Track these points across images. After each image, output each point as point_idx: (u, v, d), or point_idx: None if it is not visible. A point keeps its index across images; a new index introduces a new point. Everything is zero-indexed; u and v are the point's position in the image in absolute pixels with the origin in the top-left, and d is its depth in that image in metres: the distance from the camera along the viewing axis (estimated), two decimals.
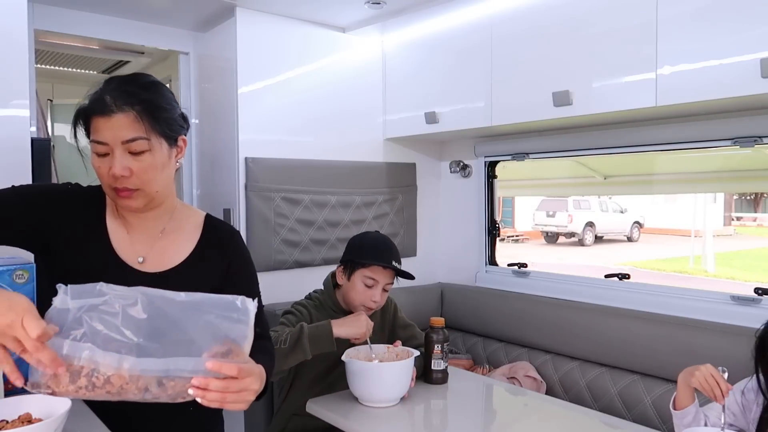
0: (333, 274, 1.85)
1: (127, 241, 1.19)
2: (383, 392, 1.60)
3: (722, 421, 1.30)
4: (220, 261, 1.23)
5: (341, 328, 1.59)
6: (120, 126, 1.06)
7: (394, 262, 1.75)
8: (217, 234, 1.26)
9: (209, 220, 1.28)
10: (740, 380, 1.46)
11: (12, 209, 1.12)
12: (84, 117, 1.10)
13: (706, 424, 1.40)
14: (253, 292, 1.28)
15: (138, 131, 1.07)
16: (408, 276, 1.78)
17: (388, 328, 1.93)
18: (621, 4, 1.83)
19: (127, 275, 1.15)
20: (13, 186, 1.17)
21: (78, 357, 0.81)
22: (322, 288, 1.89)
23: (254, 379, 0.92)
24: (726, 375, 1.32)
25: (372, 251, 1.75)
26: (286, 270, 2.39)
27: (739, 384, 1.44)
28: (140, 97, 1.08)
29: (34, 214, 1.13)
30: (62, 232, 1.15)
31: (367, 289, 1.74)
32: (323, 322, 1.62)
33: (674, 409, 1.44)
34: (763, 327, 1.41)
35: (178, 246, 1.21)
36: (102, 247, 1.16)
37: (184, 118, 1.21)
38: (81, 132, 1.12)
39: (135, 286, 1.10)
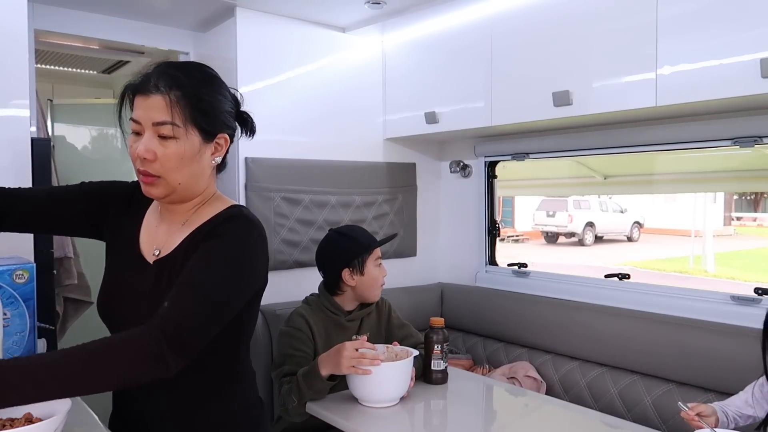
0: (326, 285, 1.88)
1: (153, 233, 1.19)
2: (383, 392, 1.60)
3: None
4: (202, 241, 1.10)
5: (325, 368, 1.58)
6: (154, 107, 1.05)
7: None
8: (217, 218, 1.14)
9: (228, 208, 1.17)
10: (737, 380, 1.48)
11: (79, 203, 1.22)
12: (130, 93, 1.10)
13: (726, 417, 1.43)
14: (198, 268, 1.05)
15: (169, 115, 1.05)
16: (392, 237, 2.01)
17: (384, 328, 1.94)
18: (621, 4, 1.83)
19: (137, 265, 1.16)
20: (82, 182, 1.26)
21: None
22: (317, 292, 1.91)
23: None
24: (683, 407, 1.39)
25: (364, 238, 1.88)
26: (286, 270, 2.39)
27: (756, 381, 1.46)
28: (181, 83, 1.06)
29: (98, 209, 1.23)
30: (111, 224, 1.22)
31: (379, 269, 1.88)
32: (313, 366, 1.62)
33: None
34: None
35: (185, 234, 1.15)
36: (130, 238, 1.19)
37: (242, 119, 1.19)
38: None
39: (142, 275, 1.14)
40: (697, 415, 1.36)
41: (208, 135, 1.10)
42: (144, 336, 0.94)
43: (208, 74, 1.13)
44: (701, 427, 1.33)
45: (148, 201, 1.22)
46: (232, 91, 1.19)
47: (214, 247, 1.07)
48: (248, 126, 1.21)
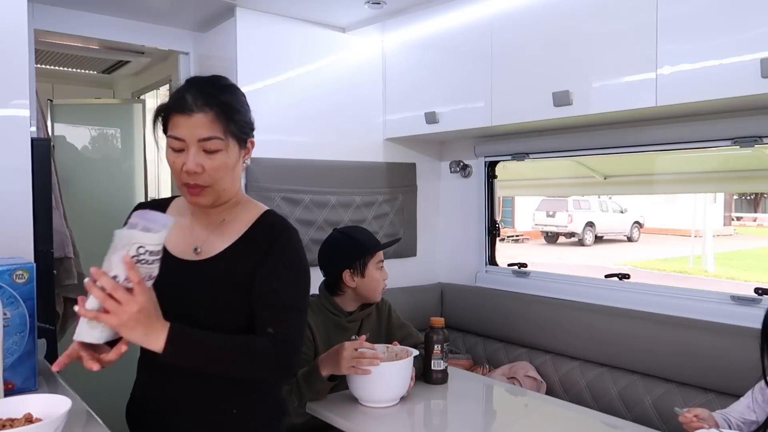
0: (326, 285, 1.88)
1: (187, 234, 1.24)
2: (383, 392, 1.60)
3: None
4: (257, 251, 1.21)
5: (325, 368, 1.59)
6: (198, 125, 1.12)
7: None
8: (264, 227, 1.25)
9: (266, 214, 1.27)
10: (737, 380, 1.48)
11: None
12: (164, 114, 1.17)
13: (730, 426, 1.42)
14: (280, 289, 1.20)
15: (214, 131, 1.13)
16: (395, 242, 2.03)
17: (384, 328, 1.93)
18: (621, 4, 1.83)
19: (171, 265, 1.17)
20: None
21: None
22: (317, 293, 1.90)
23: (134, 303, 0.97)
24: (680, 411, 1.40)
25: (367, 240, 1.87)
26: None
27: (756, 385, 1.46)
28: (219, 99, 1.15)
29: None
30: None
31: (380, 272, 1.86)
32: (313, 366, 1.62)
33: None
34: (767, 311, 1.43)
35: (228, 235, 1.23)
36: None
37: (251, 122, 1.26)
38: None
39: (177, 274, 1.18)
40: (695, 416, 1.36)
41: (243, 142, 1.20)
42: (271, 350, 1.14)
43: (232, 85, 1.23)
44: (701, 428, 1.33)
45: (173, 208, 1.30)
46: None
47: (286, 264, 1.21)
48: (253, 126, 1.29)
